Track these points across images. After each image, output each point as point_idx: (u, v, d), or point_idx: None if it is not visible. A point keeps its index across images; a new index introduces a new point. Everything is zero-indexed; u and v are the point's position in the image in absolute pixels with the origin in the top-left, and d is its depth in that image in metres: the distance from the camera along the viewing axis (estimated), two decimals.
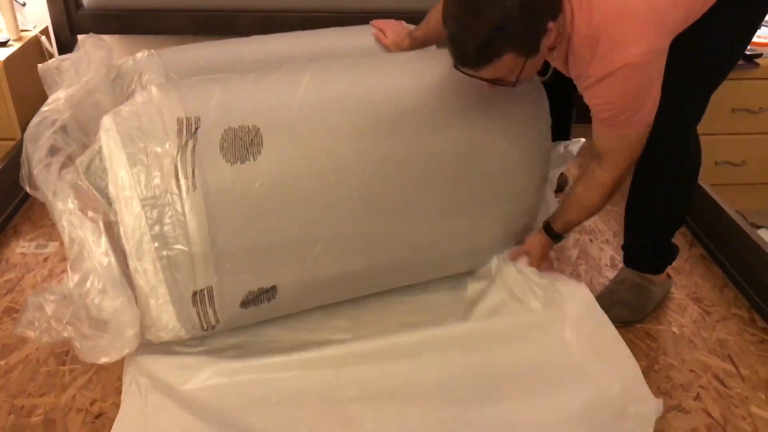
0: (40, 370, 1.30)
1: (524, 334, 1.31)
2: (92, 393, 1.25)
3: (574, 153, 1.62)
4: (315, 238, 1.21)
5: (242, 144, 1.13)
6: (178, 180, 1.10)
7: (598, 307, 1.34)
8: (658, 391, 1.28)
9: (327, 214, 1.21)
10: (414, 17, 1.60)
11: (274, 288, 1.23)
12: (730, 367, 1.35)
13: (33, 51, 2.05)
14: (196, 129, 1.13)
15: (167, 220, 1.10)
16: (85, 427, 1.18)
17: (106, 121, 1.15)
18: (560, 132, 1.60)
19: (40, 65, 1.39)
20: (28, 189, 1.20)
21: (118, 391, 1.23)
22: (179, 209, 1.10)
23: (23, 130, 1.91)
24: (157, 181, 1.10)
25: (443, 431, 1.15)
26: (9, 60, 1.91)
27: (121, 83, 1.47)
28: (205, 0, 2.08)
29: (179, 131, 1.12)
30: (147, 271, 1.13)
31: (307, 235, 1.20)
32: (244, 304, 1.23)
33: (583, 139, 1.64)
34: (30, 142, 1.21)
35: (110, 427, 1.15)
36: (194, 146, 1.11)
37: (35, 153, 1.19)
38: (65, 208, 1.13)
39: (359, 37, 1.62)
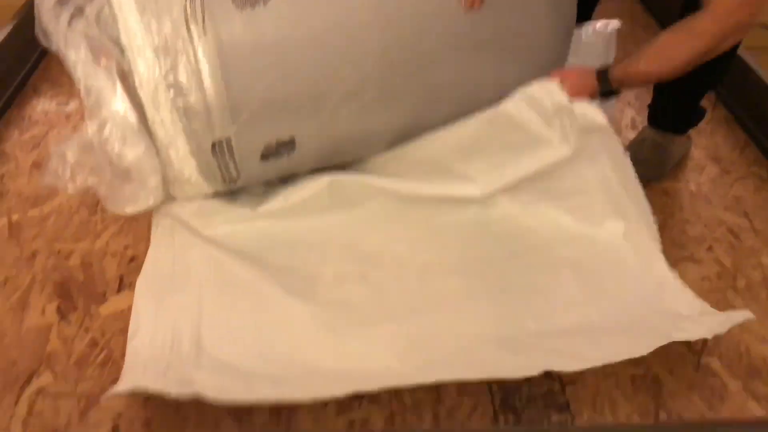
0: (73, 219, 1.35)
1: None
2: (125, 239, 1.31)
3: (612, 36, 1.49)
4: (331, 89, 1.20)
5: None
6: (188, 26, 1.08)
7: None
8: (672, 244, 1.32)
9: (343, 64, 1.19)
10: None
11: (292, 140, 1.24)
12: (744, 221, 1.37)
13: None
14: None
15: (181, 68, 1.10)
16: (120, 269, 1.25)
17: None
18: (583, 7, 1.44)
19: None
20: (42, 40, 1.18)
21: (149, 239, 1.28)
22: (191, 56, 1.09)
23: None
24: (167, 28, 1.08)
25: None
26: None
27: None
28: None
29: None
30: (164, 121, 1.14)
31: (323, 86, 1.19)
32: (264, 156, 1.24)
33: (617, 21, 1.52)
34: None
35: None
36: None
37: (43, 3, 1.16)
38: (78, 58, 1.12)
39: None
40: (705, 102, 1.59)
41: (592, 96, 1.25)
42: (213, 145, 1.18)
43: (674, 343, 1.13)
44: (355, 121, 1.27)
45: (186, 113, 1.13)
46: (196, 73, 1.10)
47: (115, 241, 1.30)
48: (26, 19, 1.74)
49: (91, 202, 1.38)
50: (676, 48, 1.15)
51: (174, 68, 1.10)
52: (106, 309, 1.17)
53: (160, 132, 1.15)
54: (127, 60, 1.11)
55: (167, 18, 1.08)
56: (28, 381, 1.05)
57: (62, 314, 1.16)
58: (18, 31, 1.72)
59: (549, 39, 1.35)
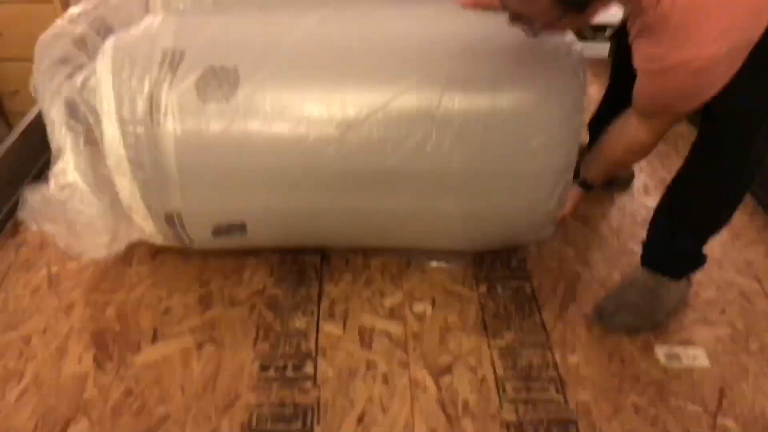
0: (110, 271, 1.42)
1: None
2: (159, 291, 1.37)
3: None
4: (283, 182, 1.21)
5: (218, 84, 1.15)
6: (152, 112, 1.15)
7: None
8: (685, 306, 1.36)
9: (299, 160, 1.18)
10: None
11: (243, 225, 1.28)
12: (755, 285, 1.41)
13: None
14: (178, 63, 1.16)
15: (141, 147, 1.16)
16: (154, 320, 1.30)
17: (108, 43, 1.20)
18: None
19: None
20: (33, 95, 1.24)
21: (183, 291, 1.34)
22: (151, 139, 1.16)
23: None
24: (136, 108, 1.15)
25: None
26: None
27: None
28: None
29: (161, 64, 1.16)
30: (126, 188, 1.21)
31: (274, 179, 1.21)
32: (216, 233, 1.30)
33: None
34: (40, 50, 1.24)
35: None
36: (171, 81, 1.15)
37: (42, 61, 1.23)
38: (54, 118, 1.19)
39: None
40: None
41: (578, 198, 1.34)
42: (167, 216, 1.25)
43: (689, 403, 1.16)
44: (309, 213, 1.27)
45: (144, 185, 1.21)
46: (154, 153, 1.17)
47: (149, 293, 1.36)
48: None
49: (127, 256, 1.44)
50: (624, 156, 1.21)
51: (134, 146, 1.16)
52: (141, 359, 1.22)
53: (123, 196, 1.23)
54: (99, 129, 1.18)
55: (137, 100, 1.15)
56: (66, 427, 1.09)
57: (98, 363, 1.21)
58: None
59: (539, 180, 1.22)
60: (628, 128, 1.16)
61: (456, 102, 1.13)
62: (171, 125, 1.15)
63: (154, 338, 1.26)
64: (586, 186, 1.33)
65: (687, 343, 1.29)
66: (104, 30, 1.31)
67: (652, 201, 1.53)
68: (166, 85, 1.15)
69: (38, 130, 1.70)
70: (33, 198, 1.23)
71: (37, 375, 1.19)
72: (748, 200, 1.67)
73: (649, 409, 1.16)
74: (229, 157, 1.17)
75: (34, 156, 1.68)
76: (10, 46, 2.09)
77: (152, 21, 1.24)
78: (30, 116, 1.74)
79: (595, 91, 2.10)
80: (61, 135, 1.19)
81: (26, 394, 1.15)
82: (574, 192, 1.32)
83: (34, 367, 1.20)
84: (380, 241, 1.40)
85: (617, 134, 1.19)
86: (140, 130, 1.15)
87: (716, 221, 1.23)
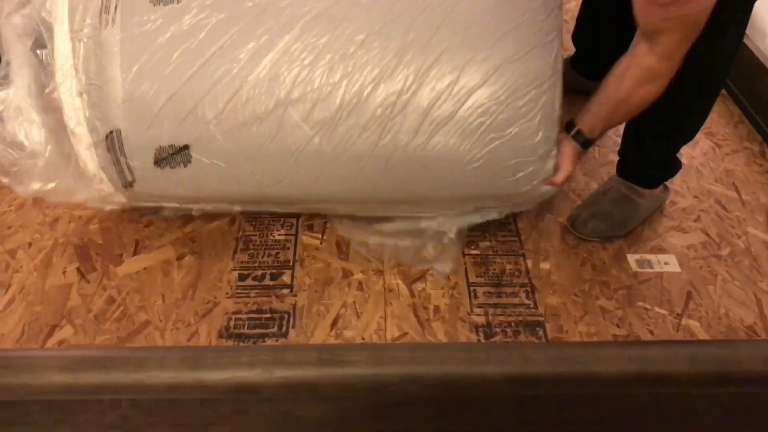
0: None
1: None
2: (142, 207, 1.39)
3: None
4: (232, 95, 1.07)
5: None
6: (101, 13, 1.08)
7: None
8: (661, 215, 1.37)
9: (248, 66, 1.07)
10: None
11: (186, 148, 1.11)
12: (733, 193, 1.42)
13: None
14: None
15: (88, 53, 1.08)
16: (136, 233, 1.33)
17: None
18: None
19: None
20: None
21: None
22: (98, 43, 1.07)
23: None
24: (87, 13, 1.07)
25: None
26: None
27: None
28: None
29: None
30: (70, 105, 1.09)
31: (222, 90, 1.07)
32: (158, 162, 1.13)
33: None
34: None
35: None
36: None
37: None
38: (7, 35, 1.11)
39: None
40: None
41: (580, 158, 1.19)
42: (107, 137, 1.11)
43: (656, 307, 1.19)
44: (275, 162, 1.13)
45: (89, 100, 1.09)
46: (99, 60, 1.08)
47: (132, 209, 1.38)
48: None
49: None
50: (640, 92, 1.06)
51: (83, 53, 1.08)
52: (123, 270, 1.26)
53: (68, 116, 1.10)
54: (51, 44, 1.09)
55: (91, 3, 1.08)
56: (51, 332, 1.14)
57: (82, 274, 1.25)
58: None
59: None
60: (636, 57, 1.04)
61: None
62: (119, 25, 1.07)
63: (136, 251, 1.30)
64: (582, 140, 1.14)
65: (660, 251, 1.31)
66: None
67: None
68: None
69: None
70: None
71: (23, 286, 1.23)
72: (733, 109, 1.65)
73: (616, 312, 1.19)
74: (176, 60, 1.06)
75: None
76: None
77: None
78: None
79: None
80: (11, 51, 1.10)
81: (13, 303, 1.20)
82: (569, 149, 1.14)
83: (20, 278, 1.24)
84: (369, 193, 1.20)
85: (623, 68, 1.06)
86: (88, 33, 1.07)
87: (685, 126, 1.22)
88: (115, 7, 1.07)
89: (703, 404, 0.78)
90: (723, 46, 1.05)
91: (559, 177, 1.14)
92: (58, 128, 1.12)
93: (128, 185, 1.17)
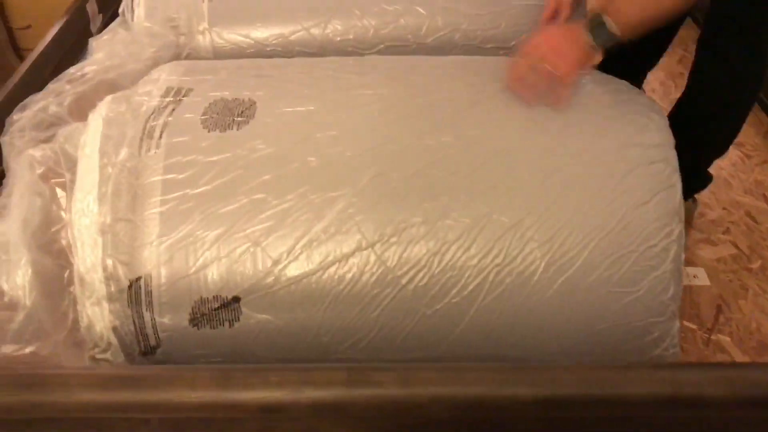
0: None
1: None
2: None
3: None
4: (301, 234, 0.86)
5: (229, 113, 0.94)
6: (142, 138, 0.91)
7: None
8: (689, 227, 1.35)
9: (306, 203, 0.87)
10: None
11: (236, 300, 0.87)
12: (763, 204, 1.40)
13: None
14: (185, 96, 0.97)
15: (119, 182, 0.89)
16: None
17: (107, 98, 0.98)
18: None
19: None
20: None
21: None
22: (136, 171, 0.89)
23: None
24: (124, 137, 0.92)
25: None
26: None
27: None
28: None
29: (163, 95, 0.97)
30: (87, 243, 0.87)
31: (288, 230, 0.86)
32: (195, 319, 0.88)
33: None
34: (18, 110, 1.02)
35: None
36: (174, 109, 0.95)
37: (20, 121, 0.99)
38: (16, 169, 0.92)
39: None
40: None
41: (584, 60, 0.92)
42: (130, 285, 0.87)
43: (685, 321, 1.18)
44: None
45: (112, 240, 0.86)
46: (134, 194, 0.89)
47: None
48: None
49: None
50: None
51: (115, 184, 0.88)
52: None
53: (81, 255, 0.87)
54: (71, 174, 0.91)
55: (129, 128, 0.92)
56: None
57: None
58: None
59: None
60: None
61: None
62: (163, 151, 0.88)
63: None
64: (607, 37, 0.91)
65: (689, 263, 1.29)
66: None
67: None
68: (166, 113, 0.94)
69: (47, 64, 1.73)
70: None
71: None
72: (763, 119, 1.62)
73: None
74: (234, 198, 0.87)
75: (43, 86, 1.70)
76: None
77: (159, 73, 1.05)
78: (38, 49, 1.75)
79: None
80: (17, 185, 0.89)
81: None
82: (581, 42, 0.91)
83: None
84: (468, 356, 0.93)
85: None
86: (123, 160, 0.88)
87: (718, 137, 1.20)
88: (161, 133, 0.92)
89: (738, 430, 0.77)
90: (758, 55, 1.03)
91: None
92: (51, 277, 0.87)
93: (148, 352, 0.90)
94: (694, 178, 1.28)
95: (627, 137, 0.92)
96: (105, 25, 2.17)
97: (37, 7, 2.11)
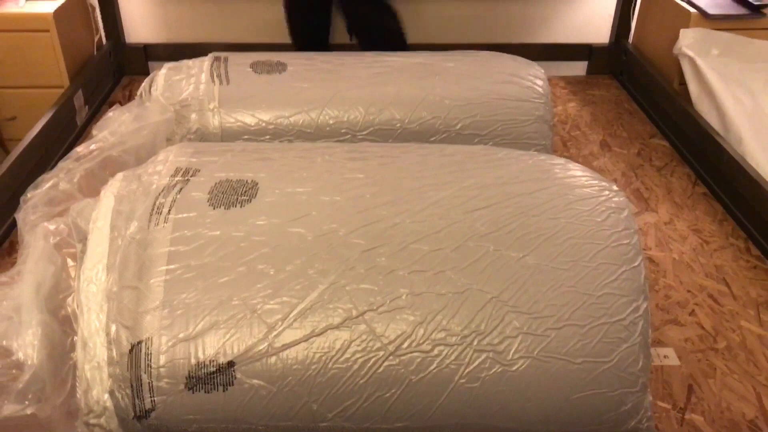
0: None
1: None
2: None
3: None
4: (297, 302, 0.92)
5: (233, 193, 1.03)
6: (152, 213, 1.00)
7: None
8: (656, 308, 1.41)
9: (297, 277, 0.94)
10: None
11: (231, 365, 0.90)
12: (724, 288, 1.47)
13: (79, 2, 2.19)
14: (192, 176, 1.06)
15: (127, 253, 0.95)
16: None
17: (118, 175, 1.09)
18: None
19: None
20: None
21: None
22: (144, 243, 0.96)
23: (71, 78, 2.07)
24: (135, 212, 1.00)
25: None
26: (58, 12, 2.04)
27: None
28: None
29: (173, 175, 1.06)
30: (93, 309, 0.91)
31: (285, 297, 0.92)
32: (191, 383, 0.89)
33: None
34: (31, 189, 1.09)
35: None
36: (182, 188, 1.04)
37: (33, 198, 1.07)
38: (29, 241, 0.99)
39: None
40: (686, 180, 1.72)
41: None
42: (131, 349, 0.91)
43: (658, 401, 1.21)
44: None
45: (118, 306, 0.92)
46: (141, 263, 0.95)
47: None
48: (61, 110, 1.94)
49: None
50: None
51: (124, 254, 0.95)
52: None
53: (86, 321, 0.92)
54: (82, 247, 0.98)
55: (140, 204, 1.00)
56: None
57: None
58: (53, 121, 1.90)
59: None
60: None
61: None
62: (171, 225, 0.95)
63: None
64: None
65: (658, 344, 1.34)
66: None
67: None
68: (174, 191, 1.02)
69: (34, 155, 1.78)
70: None
71: None
72: (717, 208, 1.73)
73: None
74: (233, 269, 0.92)
75: (29, 180, 1.74)
76: (7, 73, 2.17)
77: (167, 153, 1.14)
78: (26, 140, 1.80)
79: (572, 109, 2.18)
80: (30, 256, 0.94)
81: None
82: None
83: None
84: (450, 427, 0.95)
85: None
86: (132, 233, 0.94)
87: None
88: (169, 209, 0.99)
89: None
90: None
91: None
92: (57, 342, 0.92)
93: (143, 416, 0.91)
94: None
95: (596, 224, 1.04)
96: (91, 116, 2.27)
97: (22, 99, 2.18)
